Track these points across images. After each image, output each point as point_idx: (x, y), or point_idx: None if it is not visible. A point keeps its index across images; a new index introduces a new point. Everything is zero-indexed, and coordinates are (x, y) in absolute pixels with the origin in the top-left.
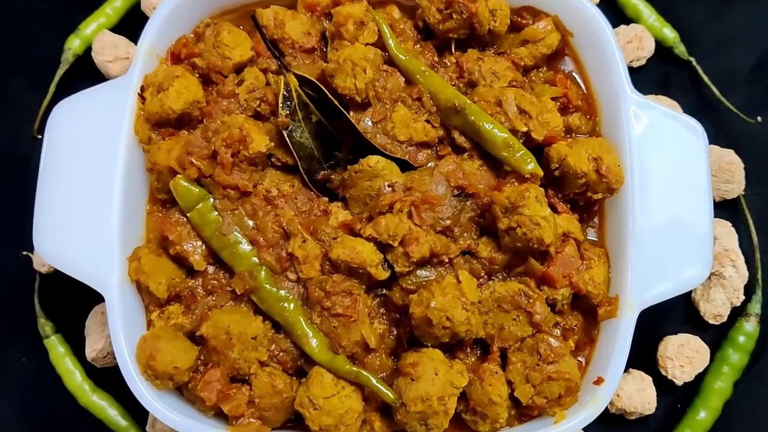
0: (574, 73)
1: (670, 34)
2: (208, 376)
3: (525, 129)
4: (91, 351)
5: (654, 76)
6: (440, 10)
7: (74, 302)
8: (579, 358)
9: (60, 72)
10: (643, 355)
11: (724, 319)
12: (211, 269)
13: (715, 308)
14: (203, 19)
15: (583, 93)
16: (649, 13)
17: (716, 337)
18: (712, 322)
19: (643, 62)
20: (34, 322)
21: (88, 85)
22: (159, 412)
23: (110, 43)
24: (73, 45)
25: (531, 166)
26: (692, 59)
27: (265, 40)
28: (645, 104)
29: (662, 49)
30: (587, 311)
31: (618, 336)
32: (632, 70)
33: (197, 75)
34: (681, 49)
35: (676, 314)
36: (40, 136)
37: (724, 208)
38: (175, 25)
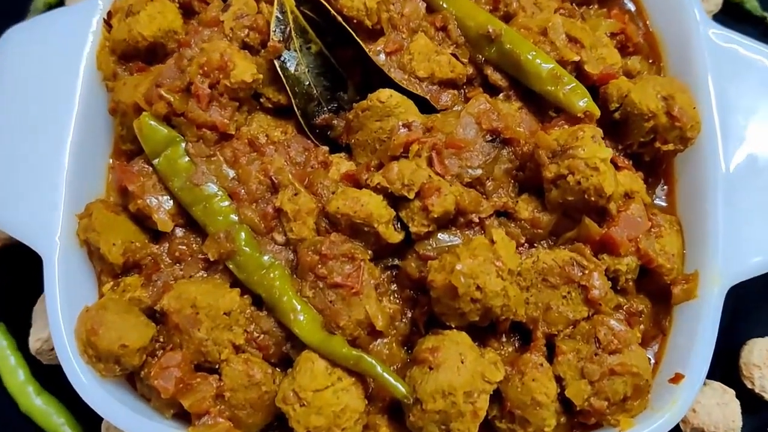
0: (631, 13)
1: None
2: (164, 359)
3: (576, 58)
4: (35, 341)
5: None
6: None
7: (24, 287)
8: (647, 355)
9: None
10: (721, 363)
11: None
12: (179, 232)
13: None
14: None
15: (643, 32)
16: None
17: None
18: None
19: (708, 17)
20: None
21: None
22: (99, 403)
23: None
24: None
25: (584, 101)
26: (766, 15)
27: None
28: (724, 36)
29: (731, 5)
30: (656, 294)
31: (700, 321)
32: None
33: (177, 4)
34: (752, 4)
35: (763, 311)
36: None
37: None
38: None
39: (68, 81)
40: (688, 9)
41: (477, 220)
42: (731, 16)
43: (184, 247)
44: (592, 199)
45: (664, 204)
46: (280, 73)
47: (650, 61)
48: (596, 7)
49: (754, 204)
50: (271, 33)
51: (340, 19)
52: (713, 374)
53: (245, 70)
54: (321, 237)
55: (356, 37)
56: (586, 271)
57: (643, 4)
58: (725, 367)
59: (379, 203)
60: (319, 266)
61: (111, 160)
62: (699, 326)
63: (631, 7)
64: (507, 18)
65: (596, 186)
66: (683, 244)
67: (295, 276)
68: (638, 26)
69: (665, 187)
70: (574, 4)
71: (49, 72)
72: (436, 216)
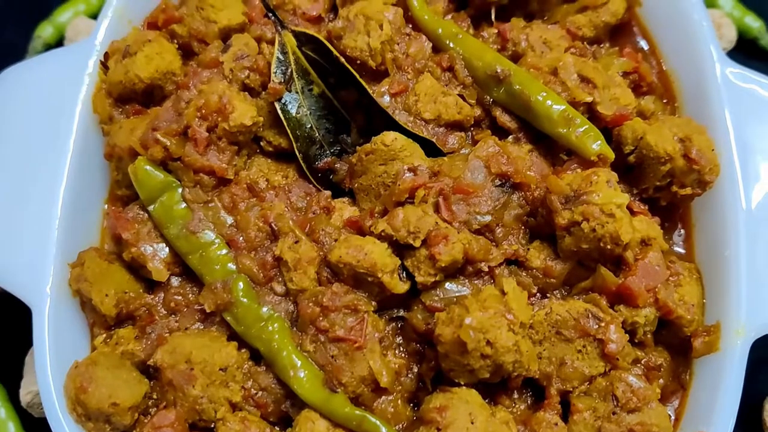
0: (644, 51)
1: (753, 23)
2: (157, 418)
3: (589, 99)
4: (26, 394)
5: None
6: None
7: (17, 335)
8: (667, 412)
9: None
10: (743, 416)
11: None
12: (175, 281)
13: None
14: None
15: (657, 71)
16: (725, 0)
17: None
18: None
19: None
20: None
21: None
22: None
23: (85, 29)
24: (45, 33)
25: (598, 144)
26: None
27: None
28: (742, 75)
29: (745, 41)
30: (676, 346)
31: (723, 376)
32: None
33: (177, 45)
34: (767, 41)
35: None
36: None
37: None
38: None
39: (63, 124)
40: (703, 47)
41: (486, 269)
42: (745, 53)
43: (179, 298)
44: (608, 247)
45: (681, 251)
46: (281, 115)
47: (664, 101)
48: (608, 45)
49: None
50: (272, 74)
51: (342, 60)
52: (734, 428)
53: (245, 113)
54: (322, 287)
55: (359, 79)
56: (603, 324)
57: (657, 42)
58: (747, 420)
59: (384, 252)
60: (321, 319)
61: (106, 206)
62: (722, 382)
63: (644, 45)
64: (515, 58)
65: (612, 233)
66: (703, 293)
67: (295, 329)
68: (651, 65)
69: (682, 231)
70: (585, 43)
71: (44, 114)
72: (443, 265)
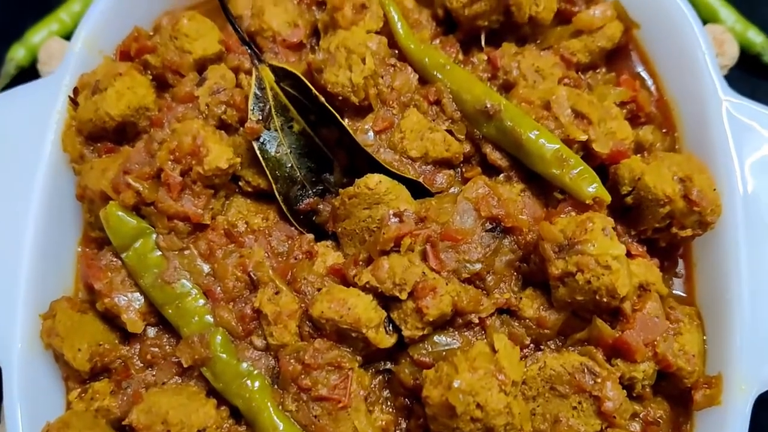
0: (642, 76)
1: (756, 38)
2: None
3: (584, 138)
4: None
5: (737, 89)
6: None
7: None
8: None
9: None
10: None
11: None
12: (152, 332)
13: None
14: (165, 10)
15: (655, 99)
16: (727, 13)
17: None
18: None
19: (724, 72)
20: None
21: None
22: None
23: (59, 51)
24: (17, 55)
25: (594, 187)
26: None
27: (229, 18)
28: (746, 108)
29: (747, 56)
30: (675, 397)
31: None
32: None
33: (150, 77)
34: None
35: None
36: None
37: None
38: (128, 16)
39: (32, 165)
40: (704, 76)
41: (477, 321)
42: (748, 69)
43: (156, 350)
44: (604, 300)
45: (681, 293)
46: (259, 156)
47: (663, 130)
48: (604, 70)
49: None
50: (249, 112)
51: (322, 99)
52: None
53: (220, 155)
54: (304, 343)
55: (341, 120)
56: (599, 380)
57: (656, 66)
58: None
59: (368, 305)
60: (303, 377)
61: (80, 248)
62: None
63: (641, 68)
64: (506, 86)
65: (608, 286)
66: (704, 340)
67: (276, 386)
68: (650, 90)
69: (682, 271)
70: (579, 72)
71: (10, 154)
72: (431, 319)
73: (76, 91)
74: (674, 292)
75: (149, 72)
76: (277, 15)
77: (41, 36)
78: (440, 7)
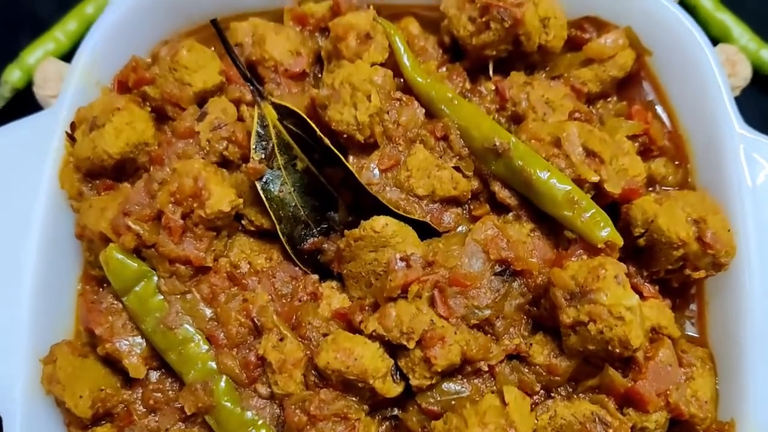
0: (654, 103)
1: None
2: None
3: (596, 179)
4: None
5: (750, 110)
6: (473, 19)
7: None
8: None
9: None
10: None
11: None
12: (154, 376)
13: None
14: (163, 37)
15: (668, 131)
16: (741, 32)
17: None
18: None
19: (737, 93)
20: None
21: None
22: None
23: (55, 73)
24: (12, 77)
25: (606, 232)
26: None
27: (230, 54)
28: (762, 145)
29: (760, 77)
30: None
31: None
32: None
33: (149, 109)
34: None
35: None
36: None
37: None
38: (125, 44)
39: (29, 203)
40: (720, 109)
41: (486, 368)
42: (761, 88)
43: (159, 395)
44: (617, 350)
45: (694, 333)
46: (262, 196)
47: (676, 162)
48: (615, 99)
49: None
50: (252, 151)
51: (326, 141)
52: None
53: (222, 198)
54: (310, 392)
55: (345, 162)
56: (610, 430)
57: (668, 95)
58: None
59: (375, 354)
60: (308, 427)
61: (80, 285)
62: None
63: (652, 96)
64: (515, 118)
65: (621, 338)
66: (716, 382)
67: None
68: (662, 122)
69: (694, 307)
70: (590, 107)
71: (7, 192)
72: (439, 370)
73: (73, 126)
74: (686, 332)
75: (148, 104)
76: (278, 44)
77: (36, 56)
78: (447, 35)
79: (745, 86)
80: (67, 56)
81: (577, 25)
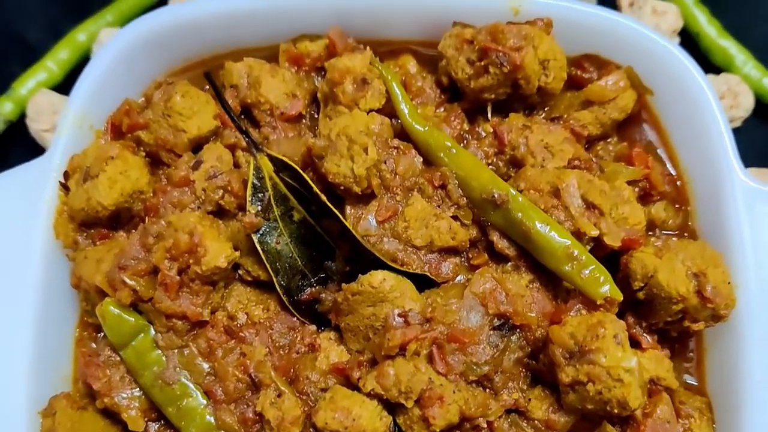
0: (654, 144)
1: None
2: None
3: (595, 233)
4: None
5: (753, 141)
6: (471, 61)
7: None
8: None
9: None
10: None
11: None
12: (153, 427)
13: None
14: (156, 77)
15: (668, 174)
16: (743, 59)
17: None
18: None
19: (738, 123)
20: None
21: (21, 161)
22: None
23: (47, 106)
24: (4, 110)
25: (606, 288)
26: None
27: (223, 105)
28: (762, 193)
29: (763, 105)
30: None
31: None
32: None
33: (144, 154)
34: None
35: None
36: None
37: None
38: (117, 86)
39: (24, 253)
40: (722, 157)
41: (485, 425)
42: (763, 117)
43: None
44: (615, 411)
45: (693, 380)
46: (258, 248)
47: (676, 206)
48: (615, 140)
49: None
50: (248, 204)
51: (324, 198)
52: None
53: (218, 253)
54: None
55: (343, 219)
56: None
57: (670, 138)
58: None
59: (373, 414)
60: None
61: (77, 331)
62: None
63: (653, 137)
64: (514, 162)
65: (620, 399)
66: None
67: None
68: (662, 163)
69: (693, 355)
70: (590, 146)
71: (2, 244)
72: (437, 430)
73: (66, 174)
74: (686, 380)
75: (142, 148)
76: (274, 87)
77: (28, 87)
78: (444, 75)
79: (747, 116)
80: (60, 86)
81: (577, 63)
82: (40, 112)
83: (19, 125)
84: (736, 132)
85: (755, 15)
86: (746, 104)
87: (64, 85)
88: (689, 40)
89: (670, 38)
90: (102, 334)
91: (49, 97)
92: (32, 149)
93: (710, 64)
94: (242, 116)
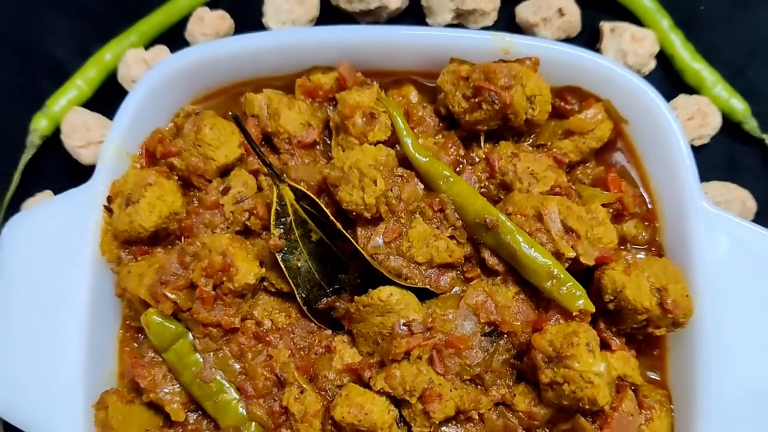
0: (628, 165)
1: (739, 106)
2: None
3: (572, 255)
4: None
5: (719, 157)
6: (467, 97)
7: None
8: None
9: (25, 158)
10: None
11: None
12: (192, 417)
13: None
14: (184, 104)
15: (639, 195)
16: (714, 81)
17: None
18: None
19: (706, 140)
20: None
21: (58, 172)
22: None
23: (81, 124)
24: (40, 125)
25: (581, 303)
26: (765, 137)
27: (254, 148)
28: (719, 218)
29: (730, 123)
30: None
31: None
32: (693, 150)
33: (176, 177)
34: (752, 125)
35: None
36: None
37: None
38: (150, 114)
39: (75, 267)
40: (686, 187)
41: (477, 416)
42: (731, 135)
43: None
44: (586, 407)
45: (656, 376)
46: (281, 265)
47: (646, 223)
48: (593, 164)
49: (742, 395)
50: (272, 227)
51: (339, 225)
52: None
53: (248, 272)
54: None
55: (352, 239)
56: None
57: (642, 162)
58: None
59: (383, 409)
60: None
61: (120, 332)
62: None
63: (627, 162)
64: (504, 185)
65: (590, 398)
66: (673, 418)
67: None
68: (634, 185)
69: (657, 353)
70: (570, 170)
71: (56, 258)
72: (437, 421)
73: (109, 198)
74: (649, 375)
75: (174, 173)
76: (292, 118)
77: (61, 104)
78: (442, 107)
79: (714, 134)
80: (89, 102)
81: (560, 94)
82: (75, 129)
83: (52, 140)
84: (705, 148)
85: (725, 39)
86: (714, 123)
87: (92, 101)
88: (666, 63)
89: (648, 61)
90: (143, 335)
91: (81, 115)
92: (65, 162)
93: (684, 84)
94: (263, 142)
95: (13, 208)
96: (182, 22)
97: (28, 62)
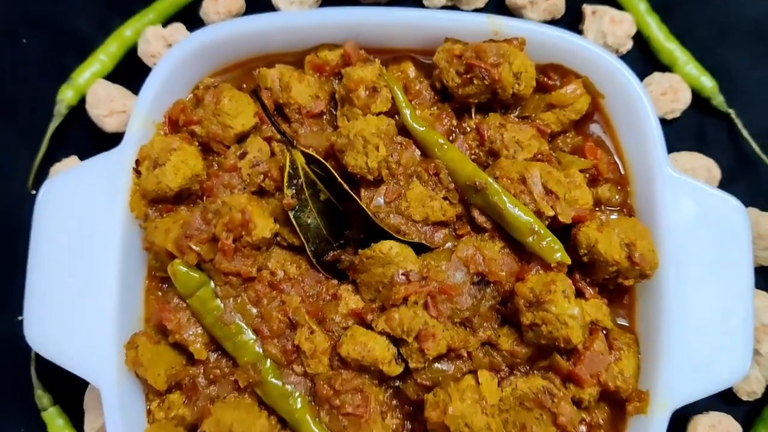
0: (603, 135)
1: (708, 83)
2: None
3: (551, 213)
4: (90, 429)
5: (689, 129)
6: (460, 73)
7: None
8: None
9: (53, 126)
10: None
11: (759, 396)
12: (213, 356)
13: (749, 385)
14: (202, 78)
15: (613, 162)
16: (685, 60)
17: (749, 413)
18: (745, 398)
19: (677, 114)
20: (32, 393)
21: (83, 139)
22: None
23: (105, 95)
24: (66, 96)
25: (558, 255)
26: (731, 111)
27: (270, 118)
28: (683, 182)
29: (699, 99)
30: (615, 403)
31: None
32: (665, 123)
33: (197, 143)
34: (719, 101)
35: None
36: (34, 192)
37: (761, 275)
38: (173, 87)
39: (108, 223)
40: (654, 158)
41: (465, 354)
42: (700, 110)
43: (217, 371)
44: (562, 345)
45: (625, 322)
46: (293, 222)
47: (619, 187)
48: (573, 134)
49: (698, 333)
50: (285, 188)
51: (346, 186)
52: None
53: (264, 227)
54: (334, 372)
55: (359, 201)
56: (556, 399)
57: (617, 133)
58: None
59: (383, 347)
60: (333, 398)
61: (146, 282)
62: None
63: (603, 132)
64: (492, 153)
65: (565, 337)
66: (639, 362)
67: (313, 403)
68: (609, 153)
69: (627, 302)
70: (552, 140)
71: (89, 217)
72: (430, 357)
73: (137, 162)
74: (619, 322)
75: (195, 139)
76: (301, 91)
77: (85, 77)
78: (438, 81)
79: (685, 108)
80: (111, 75)
81: (544, 71)
82: (99, 100)
83: (76, 109)
84: (676, 121)
85: (697, 21)
86: (685, 99)
87: (114, 74)
88: (642, 43)
89: (626, 41)
90: (167, 284)
91: (104, 87)
92: (89, 129)
93: (659, 63)
94: (275, 112)
95: (41, 171)
96: (197, 1)
97: (55, 38)
